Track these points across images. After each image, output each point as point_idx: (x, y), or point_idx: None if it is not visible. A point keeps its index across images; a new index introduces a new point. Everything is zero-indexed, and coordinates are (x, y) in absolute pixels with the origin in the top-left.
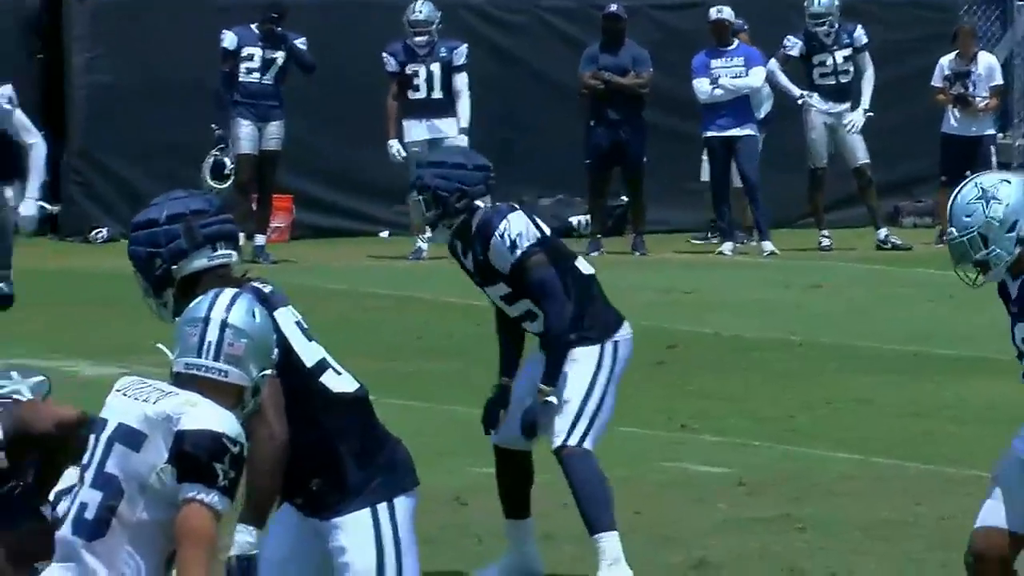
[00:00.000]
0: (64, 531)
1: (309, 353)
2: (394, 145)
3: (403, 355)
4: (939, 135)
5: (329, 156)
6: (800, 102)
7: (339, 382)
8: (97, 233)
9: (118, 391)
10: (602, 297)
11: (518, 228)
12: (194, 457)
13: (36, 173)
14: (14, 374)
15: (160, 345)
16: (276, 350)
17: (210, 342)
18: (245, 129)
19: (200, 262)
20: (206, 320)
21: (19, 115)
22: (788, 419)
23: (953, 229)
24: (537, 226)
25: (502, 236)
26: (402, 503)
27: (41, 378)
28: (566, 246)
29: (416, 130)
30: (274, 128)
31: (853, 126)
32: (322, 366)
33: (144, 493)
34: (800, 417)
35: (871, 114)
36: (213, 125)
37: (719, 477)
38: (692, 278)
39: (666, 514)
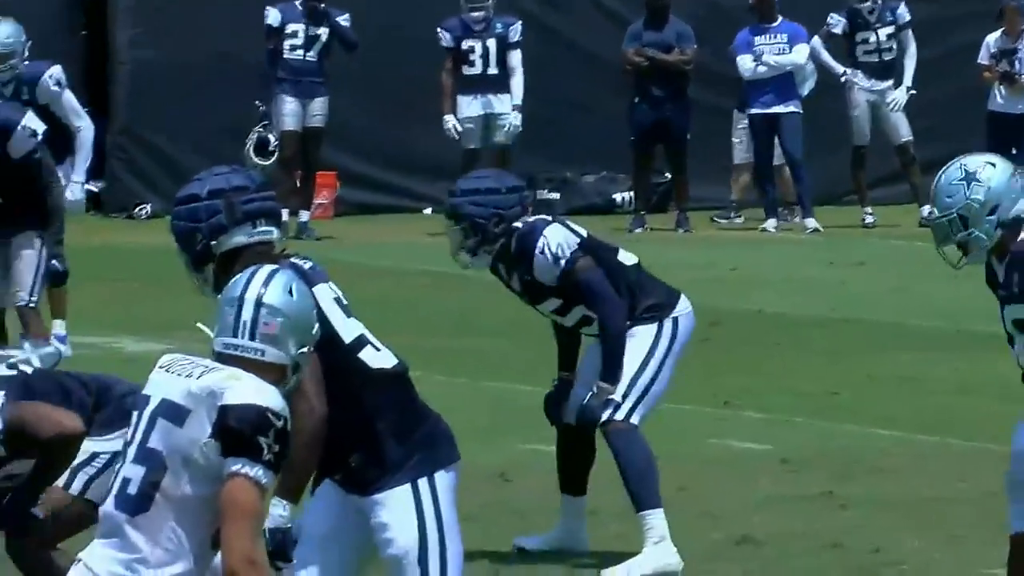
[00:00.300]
0: (107, 507)
1: (348, 329)
2: (450, 120)
3: (446, 332)
4: (985, 112)
5: (373, 132)
6: (843, 80)
7: (378, 358)
8: (141, 209)
9: (161, 367)
10: (651, 280)
11: (556, 240)
12: (238, 431)
13: (83, 157)
14: (27, 344)
15: (200, 324)
16: (317, 326)
17: (245, 322)
18: (289, 106)
19: (240, 238)
20: (241, 299)
21: (68, 97)
22: (831, 396)
23: (935, 209)
24: (573, 231)
25: (543, 252)
26: (443, 478)
27: (51, 349)
28: (604, 242)
29: (470, 106)
30: (318, 105)
31: (896, 104)
32: (361, 342)
33: (188, 468)
34: (843, 394)
35: (913, 92)
36: (257, 102)
37: (762, 454)
38: (735, 255)
39: (709, 491)
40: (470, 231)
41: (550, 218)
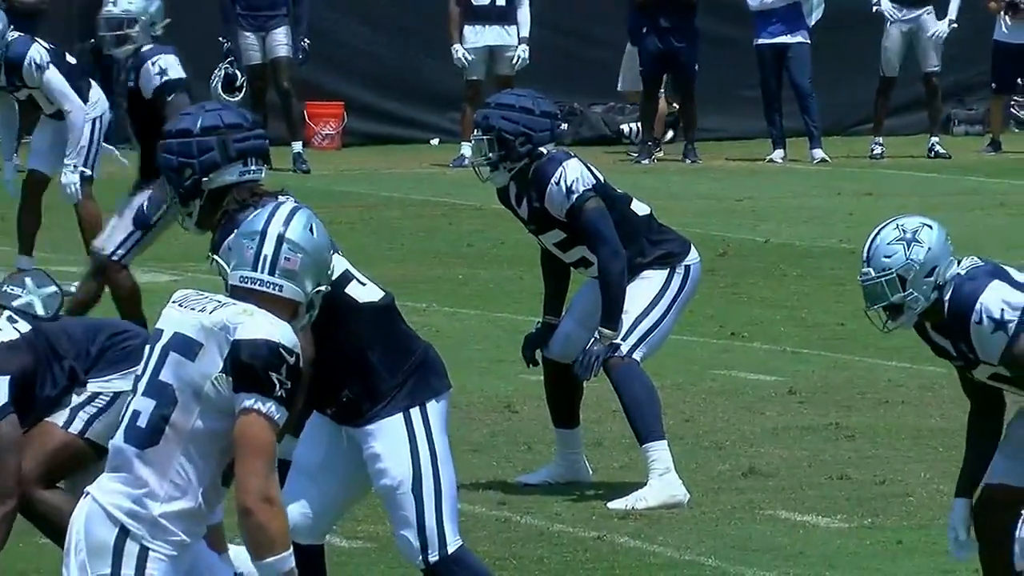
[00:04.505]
0: (116, 440)
1: (334, 265)
2: (459, 50)
3: (453, 262)
4: (991, 43)
5: (381, 63)
6: (874, 9)
7: (364, 292)
8: None
9: (175, 303)
10: (664, 229)
11: (574, 174)
12: (251, 366)
13: (74, 140)
14: (28, 281)
15: (216, 257)
16: (333, 267)
17: (266, 256)
18: (248, 40)
19: (231, 176)
20: (263, 234)
21: (50, 78)
22: (839, 327)
23: (870, 270)
24: (592, 173)
25: (558, 183)
26: (434, 407)
27: (53, 290)
28: (619, 191)
29: (477, 36)
30: (279, 35)
31: (938, 36)
32: (346, 277)
33: (199, 402)
34: (851, 325)
35: (955, 25)
36: (220, 38)
37: (769, 385)
38: (743, 185)
39: (716, 422)
40: (495, 144)
41: (572, 153)
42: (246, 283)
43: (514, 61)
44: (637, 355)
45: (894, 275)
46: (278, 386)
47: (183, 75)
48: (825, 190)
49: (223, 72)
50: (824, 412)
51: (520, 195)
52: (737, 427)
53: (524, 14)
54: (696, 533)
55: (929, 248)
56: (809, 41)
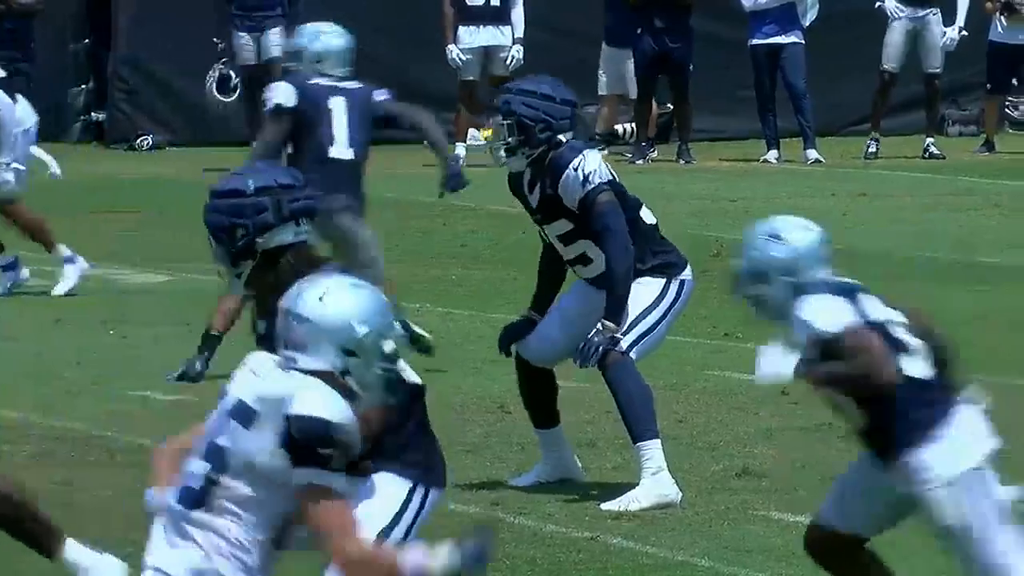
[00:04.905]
0: (170, 499)
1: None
2: (453, 50)
3: (447, 263)
4: (986, 43)
5: (375, 63)
6: (877, 6)
7: (409, 373)
8: (142, 140)
9: (248, 368)
10: (665, 241)
11: (592, 165)
12: (304, 444)
13: (3, 137)
14: None
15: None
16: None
17: (279, 332)
18: (242, 41)
19: (285, 237)
20: (283, 311)
21: None
22: None
23: (739, 259)
24: (608, 169)
25: (576, 170)
26: (434, 496)
27: None
28: (631, 195)
29: (472, 37)
30: (274, 36)
31: (947, 44)
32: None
33: (250, 470)
34: None
35: (965, 33)
36: (215, 39)
37: (762, 386)
38: (737, 186)
39: (709, 423)
40: (515, 129)
41: (593, 145)
42: (282, 361)
43: (508, 61)
44: (633, 354)
45: (749, 268)
46: (333, 459)
47: (282, 102)
48: (819, 191)
49: (218, 73)
50: (817, 413)
51: (533, 181)
52: (730, 428)
53: (518, 14)
54: (689, 534)
55: (792, 248)
56: (803, 42)
